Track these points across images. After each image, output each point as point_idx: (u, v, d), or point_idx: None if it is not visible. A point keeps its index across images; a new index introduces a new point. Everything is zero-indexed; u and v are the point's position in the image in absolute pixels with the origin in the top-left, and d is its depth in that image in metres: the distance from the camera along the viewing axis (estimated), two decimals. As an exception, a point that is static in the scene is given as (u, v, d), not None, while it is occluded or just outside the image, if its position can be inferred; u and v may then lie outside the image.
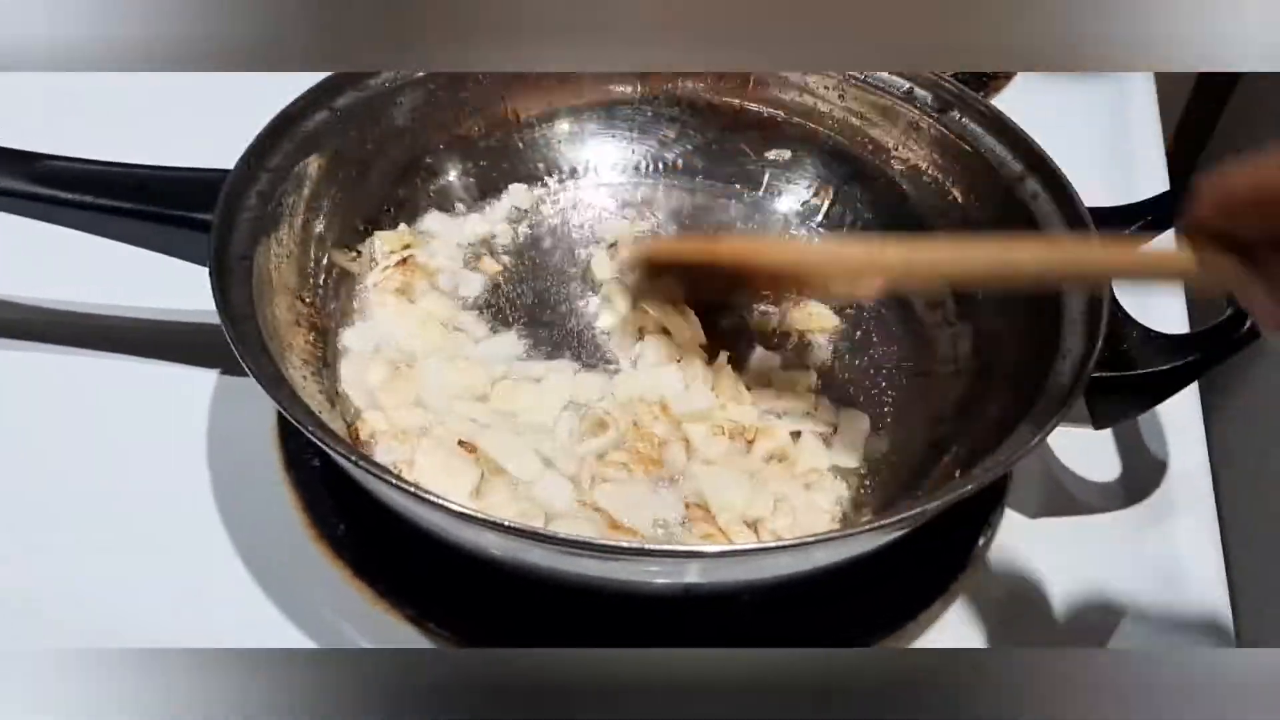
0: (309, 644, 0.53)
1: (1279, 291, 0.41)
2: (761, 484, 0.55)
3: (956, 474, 0.54)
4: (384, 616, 0.54)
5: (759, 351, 0.63)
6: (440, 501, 0.45)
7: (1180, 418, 0.64)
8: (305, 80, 0.62)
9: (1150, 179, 0.79)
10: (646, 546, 0.45)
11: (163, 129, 0.71)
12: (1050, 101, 0.88)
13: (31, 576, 0.55)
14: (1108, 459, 0.63)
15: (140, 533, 0.57)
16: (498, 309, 0.65)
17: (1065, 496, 0.61)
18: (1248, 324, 0.52)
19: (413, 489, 0.45)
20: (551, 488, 0.54)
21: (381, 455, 0.56)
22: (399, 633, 0.54)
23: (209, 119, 0.67)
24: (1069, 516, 0.61)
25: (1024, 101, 0.84)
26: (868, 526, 0.47)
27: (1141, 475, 0.62)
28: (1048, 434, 0.48)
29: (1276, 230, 0.40)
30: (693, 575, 0.47)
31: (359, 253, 0.65)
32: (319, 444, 0.46)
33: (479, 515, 0.45)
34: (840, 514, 0.56)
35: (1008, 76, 0.90)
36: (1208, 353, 0.53)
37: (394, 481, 0.45)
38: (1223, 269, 0.42)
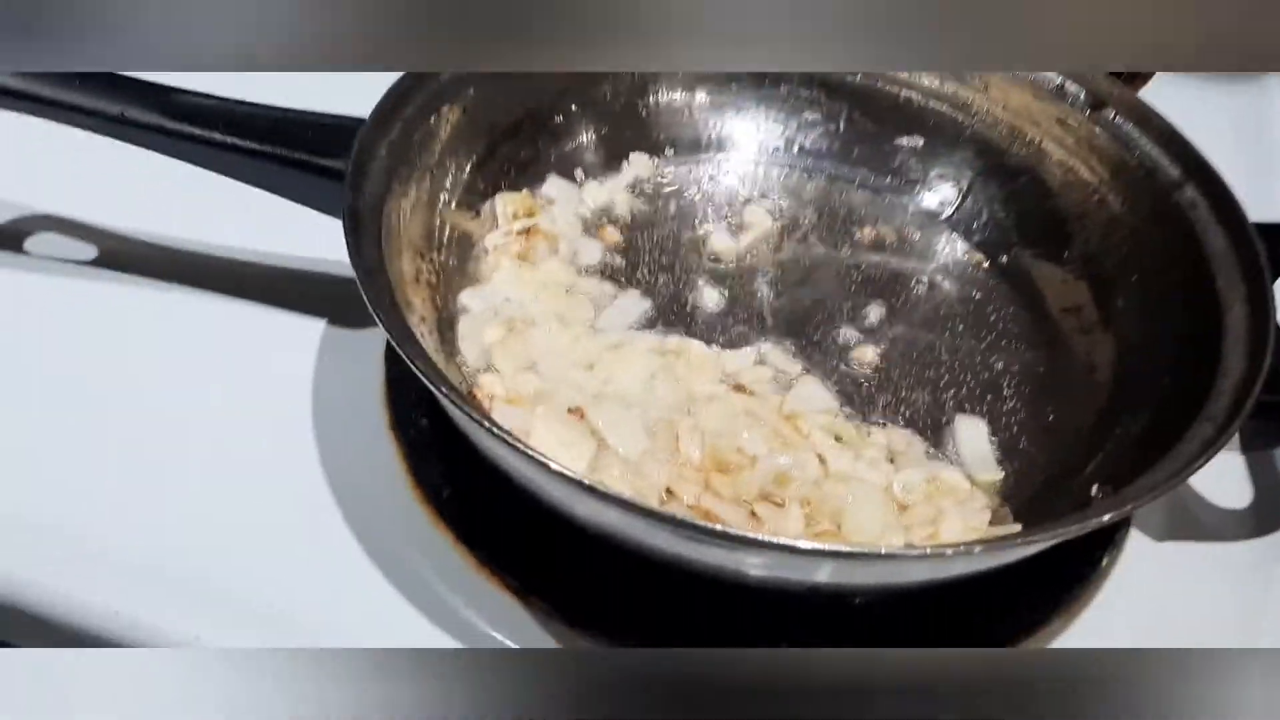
0: (406, 607, 0.52)
1: None
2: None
3: (1094, 490, 0.51)
4: (485, 584, 0.53)
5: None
6: (570, 474, 0.43)
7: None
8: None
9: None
10: (783, 542, 0.43)
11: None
12: (1185, 105, 0.84)
13: (130, 515, 0.54)
14: (1238, 484, 0.60)
15: (240, 479, 0.56)
16: (615, 278, 0.63)
17: (1192, 521, 0.59)
18: None
19: (543, 460, 0.44)
20: (656, 470, 0.52)
21: (500, 421, 0.54)
22: (498, 601, 0.52)
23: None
24: (1196, 542, 0.58)
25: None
26: (1002, 544, 0.45)
27: (1274, 503, 0.59)
28: (1208, 460, 0.45)
29: None
30: (823, 576, 0.45)
31: (478, 213, 0.63)
32: (451, 406, 0.45)
33: (611, 493, 0.43)
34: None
35: (1145, 77, 0.86)
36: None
37: (525, 450, 0.44)
38: None
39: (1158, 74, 0.86)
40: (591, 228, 0.66)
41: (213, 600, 0.51)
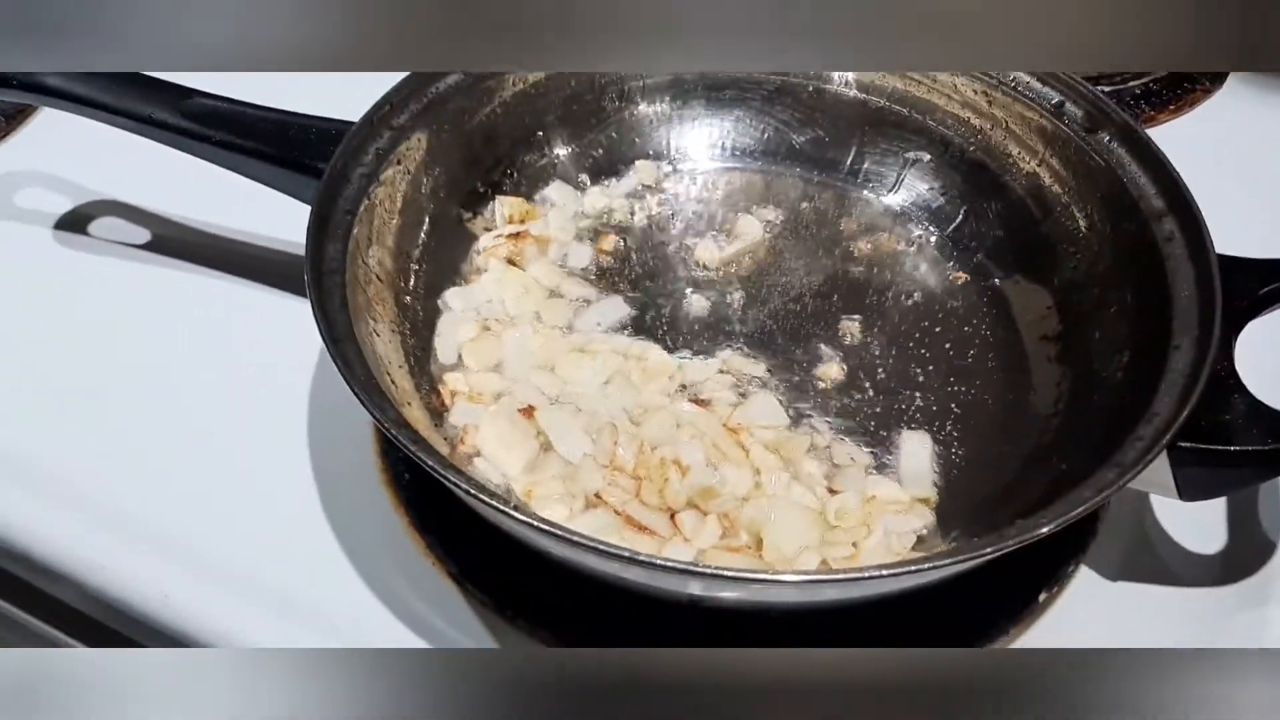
0: (359, 583, 0.56)
1: None
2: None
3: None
4: (430, 569, 0.57)
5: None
6: (481, 498, 0.46)
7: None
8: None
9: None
10: (693, 568, 0.45)
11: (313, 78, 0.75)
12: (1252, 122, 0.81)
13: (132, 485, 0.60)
14: (1214, 530, 0.58)
15: (240, 446, 0.62)
16: (601, 282, 0.66)
17: (1155, 563, 0.57)
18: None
19: (458, 482, 0.46)
20: (592, 476, 0.54)
21: (455, 417, 0.58)
22: (439, 585, 0.56)
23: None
24: (1153, 585, 0.56)
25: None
26: (890, 571, 0.46)
27: (1246, 551, 0.57)
28: (1100, 502, 0.45)
29: None
30: (696, 590, 0.46)
31: (476, 214, 0.67)
32: (367, 408, 0.48)
33: (509, 511, 0.45)
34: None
35: (1206, 90, 0.82)
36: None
37: (439, 471, 0.47)
38: None
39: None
40: (587, 234, 0.68)
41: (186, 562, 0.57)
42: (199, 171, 0.66)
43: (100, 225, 0.74)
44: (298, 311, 0.66)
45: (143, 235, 0.74)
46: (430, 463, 0.47)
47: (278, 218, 0.70)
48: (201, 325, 0.68)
